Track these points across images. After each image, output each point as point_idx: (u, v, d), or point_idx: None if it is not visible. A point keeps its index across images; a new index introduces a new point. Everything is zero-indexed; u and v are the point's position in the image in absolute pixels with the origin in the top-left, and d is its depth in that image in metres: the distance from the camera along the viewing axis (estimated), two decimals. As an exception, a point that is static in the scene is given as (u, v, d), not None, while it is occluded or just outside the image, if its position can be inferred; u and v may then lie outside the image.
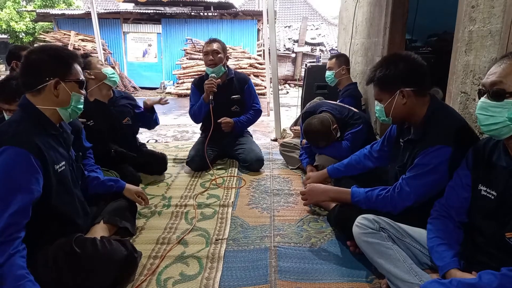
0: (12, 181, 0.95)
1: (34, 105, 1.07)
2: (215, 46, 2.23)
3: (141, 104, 2.18)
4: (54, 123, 1.12)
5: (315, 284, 1.16)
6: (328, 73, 2.62)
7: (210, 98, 2.20)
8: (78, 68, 1.13)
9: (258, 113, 2.45)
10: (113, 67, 7.59)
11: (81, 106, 1.17)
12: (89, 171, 1.47)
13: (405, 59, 1.20)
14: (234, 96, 2.35)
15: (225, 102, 2.30)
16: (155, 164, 2.17)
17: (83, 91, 1.17)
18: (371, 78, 1.26)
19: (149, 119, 2.17)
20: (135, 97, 2.26)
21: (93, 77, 1.91)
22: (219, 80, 2.24)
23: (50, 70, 1.06)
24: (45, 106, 1.08)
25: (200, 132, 2.58)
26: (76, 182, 1.22)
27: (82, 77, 1.14)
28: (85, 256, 1.06)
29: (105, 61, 6.72)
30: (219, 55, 2.23)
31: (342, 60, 2.58)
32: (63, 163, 1.12)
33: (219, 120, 2.27)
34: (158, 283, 1.16)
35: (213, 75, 2.22)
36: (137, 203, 1.52)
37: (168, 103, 2.20)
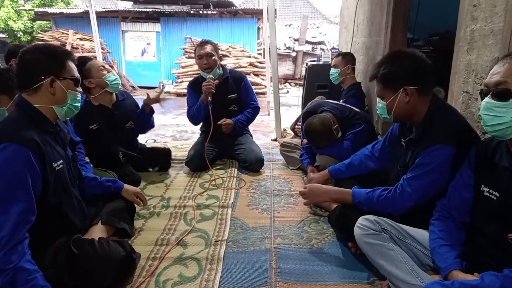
0: (15, 178, 0.95)
1: (31, 103, 1.07)
2: (208, 48, 2.20)
3: (140, 104, 2.17)
4: (51, 121, 1.12)
5: (316, 286, 1.15)
6: (332, 70, 2.59)
7: (209, 99, 2.18)
8: (72, 65, 1.14)
9: (256, 110, 2.43)
10: (111, 66, 7.59)
11: (78, 104, 1.17)
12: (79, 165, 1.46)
13: (410, 57, 1.19)
14: (231, 96, 2.33)
15: (222, 103, 2.28)
16: (159, 159, 2.18)
17: (79, 89, 1.17)
18: (374, 74, 1.24)
19: (146, 119, 2.13)
20: (133, 96, 2.26)
21: (94, 85, 1.88)
22: (217, 80, 2.23)
23: (45, 69, 1.07)
24: (42, 104, 1.08)
25: (200, 132, 2.57)
26: (73, 181, 1.23)
27: (76, 74, 1.15)
28: (83, 257, 1.06)
29: (103, 60, 6.68)
30: (213, 58, 2.20)
31: (348, 59, 2.56)
32: (61, 161, 1.12)
33: (219, 122, 2.26)
34: (157, 285, 1.16)
35: (210, 76, 2.21)
36: (135, 204, 1.51)
37: (164, 87, 2.20)
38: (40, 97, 1.07)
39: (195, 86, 2.33)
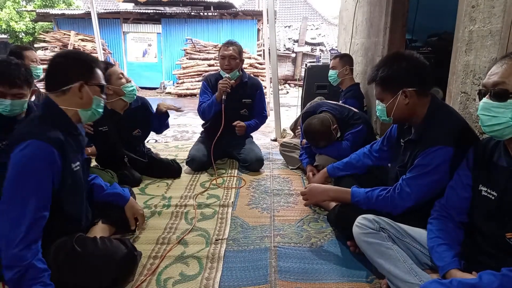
0: (37, 174, 0.98)
1: (57, 105, 1.11)
2: (232, 51, 2.20)
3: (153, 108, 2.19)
4: (74, 123, 1.15)
5: (315, 284, 1.16)
6: (331, 72, 2.61)
7: (223, 98, 2.19)
8: (100, 73, 1.18)
9: (264, 119, 2.50)
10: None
11: (101, 110, 1.21)
12: None
13: (408, 59, 1.19)
14: (245, 100, 2.36)
15: (236, 105, 2.30)
16: (170, 172, 2.16)
17: (103, 95, 1.21)
18: (373, 77, 1.25)
19: (161, 122, 2.19)
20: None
21: (111, 92, 1.90)
22: (233, 81, 2.24)
23: (76, 74, 1.12)
24: (68, 106, 1.12)
25: (201, 131, 2.58)
26: (85, 184, 1.25)
27: (103, 82, 1.19)
28: (86, 255, 1.07)
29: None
30: (236, 61, 2.22)
31: (346, 60, 2.57)
32: (78, 163, 1.15)
33: (234, 123, 2.28)
34: (158, 283, 1.16)
35: (227, 75, 2.22)
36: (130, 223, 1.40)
37: (181, 110, 2.23)
38: (67, 99, 1.11)
39: (211, 82, 2.32)
